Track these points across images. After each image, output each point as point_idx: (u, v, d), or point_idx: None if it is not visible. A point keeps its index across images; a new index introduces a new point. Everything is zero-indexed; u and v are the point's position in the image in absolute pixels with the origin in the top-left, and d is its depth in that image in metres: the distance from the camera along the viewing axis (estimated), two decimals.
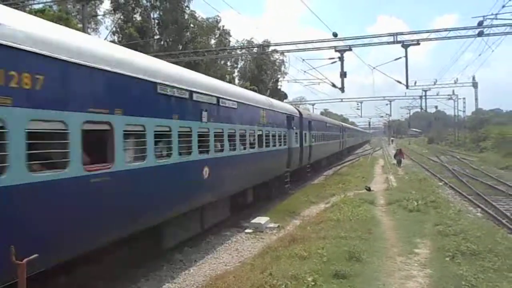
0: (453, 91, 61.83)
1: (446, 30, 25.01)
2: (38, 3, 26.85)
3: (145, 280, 8.93)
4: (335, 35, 23.30)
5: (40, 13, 30.30)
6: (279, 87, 68.12)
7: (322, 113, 72.40)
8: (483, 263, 7.76)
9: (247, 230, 13.13)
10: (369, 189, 19.31)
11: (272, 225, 13.59)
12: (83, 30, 19.62)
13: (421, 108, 63.47)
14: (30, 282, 4.45)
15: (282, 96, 61.74)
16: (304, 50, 28.56)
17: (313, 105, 70.50)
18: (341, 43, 26.22)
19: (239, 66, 64.36)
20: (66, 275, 6.65)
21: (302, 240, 9.73)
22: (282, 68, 64.71)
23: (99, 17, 41.62)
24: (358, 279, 7.02)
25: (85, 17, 19.70)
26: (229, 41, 53.06)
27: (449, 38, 24.99)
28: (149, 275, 9.17)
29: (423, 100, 57.21)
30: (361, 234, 10.18)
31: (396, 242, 9.83)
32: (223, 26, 52.85)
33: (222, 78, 39.18)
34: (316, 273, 6.95)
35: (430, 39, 25.75)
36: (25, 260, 4.03)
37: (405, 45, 25.57)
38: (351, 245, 8.80)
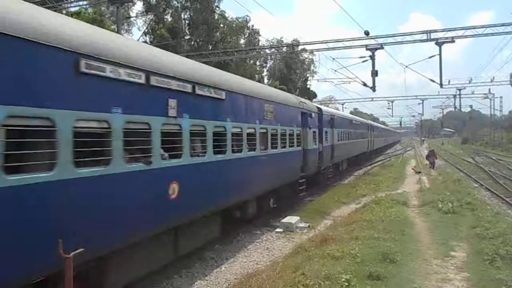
0: (489, 89, 59.93)
1: (483, 26, 24.26)
2: (75, 6, 27.74)
3: (178, 276, 9.08)
4: (366, 33, 22.98)
5: (76, 15, 31.30)
6: (308, 86, 67.78)
7: (351, 112, 71.37)
8: None
9: (277, 230, 13.13)
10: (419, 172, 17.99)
11: (302, 224, 13.54)
12: (118, 31, 20.10)
13: (455, 108, 61.62)
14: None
15: (311, 95, 61.39)
16: (334, 49, 28.29)
17: (342, 104, 69.79)
18: (372, 42, 25.86)
19: (268, 65, 64.40)
20: (102, 272, 6.65)
21: (334, 241, 9.66)
22: (312, 67, 64.30)
23: (131, 19, 42.44)
24: (392, 280, 6.92)
25: (119, 18, 20.17)
26: (259, 41, 53.20)
27: (486, 35, 24.24)
28: (181, 272, 9.32)
29: (457, 99, 55.61)
30: (395, 235, 10.01)
31: (431, 244, 9.62)
32: (253, 26, 53.06)
33: (251, 77, 39.34)
34: (350, 273, 6.89)
35: (466, 36, 25.11)
36: (72, 253, 4.18)
37: (439, 43, 24.98)
38: (385, 246, 8.68)
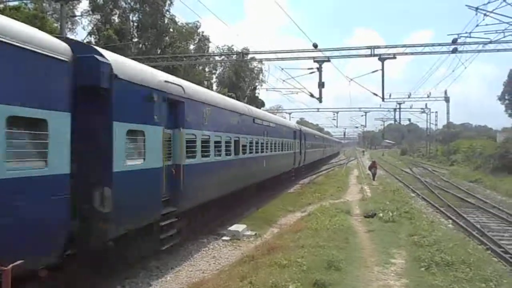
0: (426, 104, 63.41)
1: (421, 45, 25.69)
2: (15, 0, 26.18)
3: (121, 287, 8.76)
4: (315, 46, 23.61)
5: (15, 10, 29.53)
6: (257, 94, 68.39)
7: (298, 122, 72.86)
8: (457, 274, 7.95)
9: (224, 238, 13.06)
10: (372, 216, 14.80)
11: (249, 232, 13.57)
12: (61, 30, 19.20)
13: (395, 120, 64.75)
14: None
15: (259, 104, 61.96)
16: (283, 59, 28.73)
17: (289, 113, 70.94)
18: (320, 54, 26.56)
19: (217, 72, 64.29)
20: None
21: (280, 249, 9.75)
22: (261, 76, 64.99)
23: (76, 18, 40.72)
24: (337, 287, 7.08)
25: (64, 17, 19.29)
26: (208, 47, 53.02)
27: (424, 53, 25.69)
28: (125, 281, 9.00)
29: (397, 113, 58.50)
30: (339, 243, 10.28)
31: (372, 251, 9.97)
32: (203, 32, 52.81)
33: (200, 83, 39.03)
34: (297, 281, 6.97)
35: (406, 54, 26.42)
36: (10, 266, 3.88)
37: (382, 59, 26.10)
38: (330, 254, 8.88)
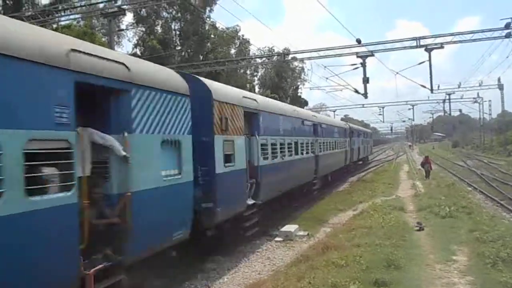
0: (478, 93, 60.54)
1: (471, 32, 24.53)
2: (66, 20, 27.67)
3: None
4: (358, 41, 23.19)
5: (66, 28, 31.21)
6: (299, 94, 68.13)
7: (342, 119, 71.73)
8: None
9: (277, 239, 13.10)
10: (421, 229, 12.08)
11: (301, 233, 13.54)
12: (110, 44, 20.09)
13: (445, 112, 62.28)
14: None
15: (302, 103, 61.67)
16: (325, 57, 28.43)
17: (334, 111, 70.04)
18: (363, 49, 26.05)
19: (259, 74, 64.64)
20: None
21: (336, 248, 9.67)
22: (302, 75, 64.66)
23: (123, 31, 42.40)
24: (399, 286, 6.95)
25: (112, 31, 20.17)
26: (249, 50, 53.45)
27: (475, 40, 24.49)
28: (184, 284, 9.25)
29: (447, 104, 56.22)
30: (396, 241, 10.06)
31: (432, 249, 9.68)
32: (243, 35, 53.33)
33: (242, 87, 39.46)
34: (357, 281, 6.90)
35: (455, 42, 25.36)
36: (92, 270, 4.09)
37: (429, 49, 25.20)
38: (387, 252, 8.71)
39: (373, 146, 61.36)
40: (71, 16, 28.55)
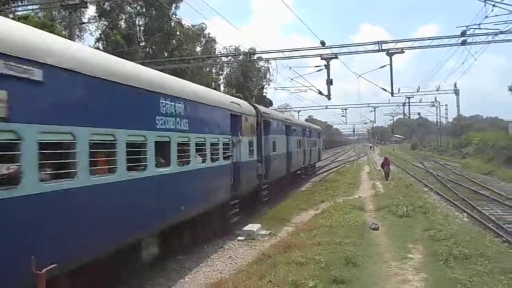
0: (436, 98, 62.90)
1: (429, 38, 25.54)
2: (23, 10, 26.53)
3: None
4: (323, 43, 23.61)
5: (24, 19, 29.91)
6: (264, 94, 68.45)
7: (306, 120, 72.65)
8: (476, 267, 7.95)
9: (239, 238, 13.12)
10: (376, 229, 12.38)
11: (264, 232, 13.62)
12: (70, 37, 19.43)
13: (404, 115, 64.48)
14: None
15: (267, 103, 62.00)
16: (290, 58, 28.75)
17: (298, 112, 70.85)
18: (327, 51, 26.52)
19: (224, 73, 64.48)
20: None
21: (297, 247, 9.79)
22: (268, 76, 65.03)
23: (85, 24, 41.11)
24: (356, 283, 7.13)
25: (73, 24, 19.52)
26: (215, 49, 53.20)
27: (433, 46, 25.51)
28: (144, 284, 9.10)
29: (407, 107, 58.18)
30: (355, 240, 10.32)
31: (389, 247, 9.99)
32: (209, 34, 53.04)
33: (207, 85, 39.23)
34: (316, 279, 7.02)
35: (414, 47, 26.28)
36: (44, 270, 4.01)
37: (390, 53, 26.00)
38: (346, 250, 8.93)
39: (322, 149, 49.94)
40: (29, 7, 27.38)
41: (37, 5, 28.36)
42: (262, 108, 19.03)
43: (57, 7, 24.32)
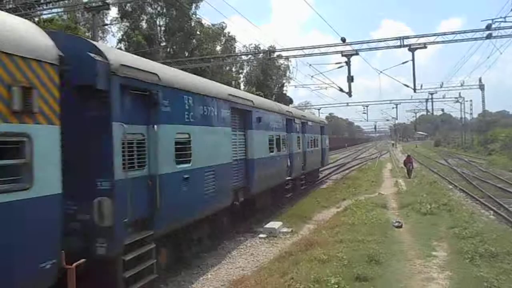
0: (460, 93, 61.60)
1: (453, 33, 25.04)
2: (48, 13, 27.20)
3: (164, 286, 8.99)
4: (343, 40, 23.41)
5: (49, 22, 30.65)
6: (284, 92, 68.28)
7: (327, 118, 72.12)
8: (502, 265, 7.79)
9: (260, 235, 13.15)
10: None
11: (285, 229, 13.62)
12: (93, 39, 19.82)
13: (427, 111, 63.31)
14: None
15: (287, 101, 61.84)
16: (310, 55, 28.64)
17: (319, 109, 70.51)
18: (348, 48, 26.31)
19: (244, 71, 64.61)
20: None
21: (319, 244, 9.76)
22: (288, 73, 64.84)
23: (107, 26, 41.87)
24: (379, 281, 7.07)
25: (96, 26, 19.89)
26: (235, 47, 53.39)
27: (457, 41, 25.02)
28: (167, 280, 9.23)
29: (429, 103, 57.10)
30: (378, 237, 10.21)
31: (413, 245, 9.85)
32: (229, 33, 53.25)
33: (228, 83, 39.42)
34: (338, 276, 6.99)
35: (437, 42, 25.83)
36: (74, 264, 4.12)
37: (412, 49, 25.63)
38: (369, 248, 8.85)
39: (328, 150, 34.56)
40: (54, 10, 28.04)
41: (61, 8, 29.00)
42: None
43: (81, 9, 24.79)
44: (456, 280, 7.27)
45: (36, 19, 28.35)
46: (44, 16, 31.17)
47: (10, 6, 24.72)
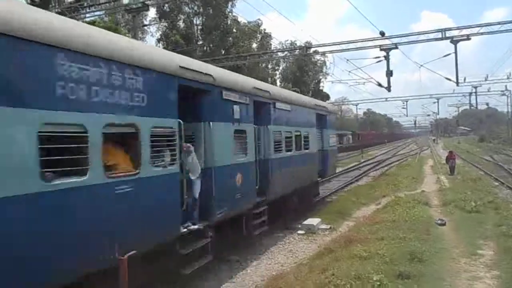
0: (506, 86, 58.93)
1: (499, 23, 23.96)
2: (91, 16, 28.21)
3: (205, 281, 9.17)
4: (382, 33, 22.88)
5: (91, 24, 31.77)
6: (321, 87, 67.71)
7: (365, 114, 71.08)
8: None
9: (299, 232, 13.15)
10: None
11: (324, 226, 13.55)
12: (134, 38, 20.39)
13: (471, 105, 60.77)
14: None
15: (324, 97, 61.30)
16: (347, 50, 28.22)
17: (356, 105, 69.43)
18: (386, 42, 25.71)
19: (281, 68, 64.54)
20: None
21: (359, 241, 9.66)
22: (324, 69, 64.20)
23: (146, 26, 43.00)
24: (423, 279, 6.92)
25: (136, 27, 20.48)
26: (271, 44, 53.41)
27: (502, 31, 23.92)
28: (208, 275, 9.40)
29: (473, 97, 54.90)
30: (420, 235, 9.99)
31: (457, 243, 9.58)
32: (265, 30, 53.33)
33: (264, 80, 39.53)
34: (380, 273, 6.91)
35: (481, 33, 24.77)
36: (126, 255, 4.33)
37: (454, 41, 24.76)
38: (411, 245, 8.69)
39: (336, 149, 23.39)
40: (96, 12, 29.04)
41: (103, 10, 29.99)
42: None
43: (121, 11, 25.56)
44: (505, 279, 7.03)
45: (80, 22, 29.51)
46: (87, 19, 32.40)
47: (56, 10, 25.78)
